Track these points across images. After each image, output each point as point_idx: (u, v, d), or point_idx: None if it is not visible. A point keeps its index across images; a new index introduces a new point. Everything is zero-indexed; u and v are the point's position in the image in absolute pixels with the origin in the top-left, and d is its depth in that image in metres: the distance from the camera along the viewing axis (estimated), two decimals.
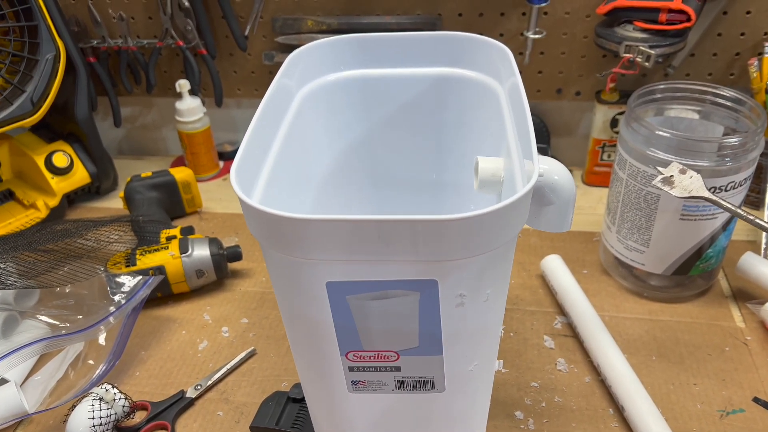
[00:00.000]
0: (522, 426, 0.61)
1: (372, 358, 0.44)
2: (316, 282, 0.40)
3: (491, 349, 0.46)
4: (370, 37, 0.59)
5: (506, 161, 0.48)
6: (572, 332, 0.70)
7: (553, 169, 0.44)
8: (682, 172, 0.57)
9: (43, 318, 0.70)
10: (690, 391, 0.63)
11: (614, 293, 0.75)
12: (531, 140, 0.42)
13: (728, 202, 0.55)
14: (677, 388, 0.64)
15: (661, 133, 0.64)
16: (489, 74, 0.57)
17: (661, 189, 0.56)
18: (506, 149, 0.49)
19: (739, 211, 0.55)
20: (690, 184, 0.56)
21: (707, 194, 0.55)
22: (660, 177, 0.57)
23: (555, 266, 0.75)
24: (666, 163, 0.63)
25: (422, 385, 0.45)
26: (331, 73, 0.60)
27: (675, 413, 0.61)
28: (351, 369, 0.45)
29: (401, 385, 0.45)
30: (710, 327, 0.70)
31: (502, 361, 0.66)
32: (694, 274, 0.71)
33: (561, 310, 0.73)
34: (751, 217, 0.55)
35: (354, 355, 0.44)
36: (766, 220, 0.80)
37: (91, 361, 0.68)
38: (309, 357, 0.46)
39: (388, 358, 0.44)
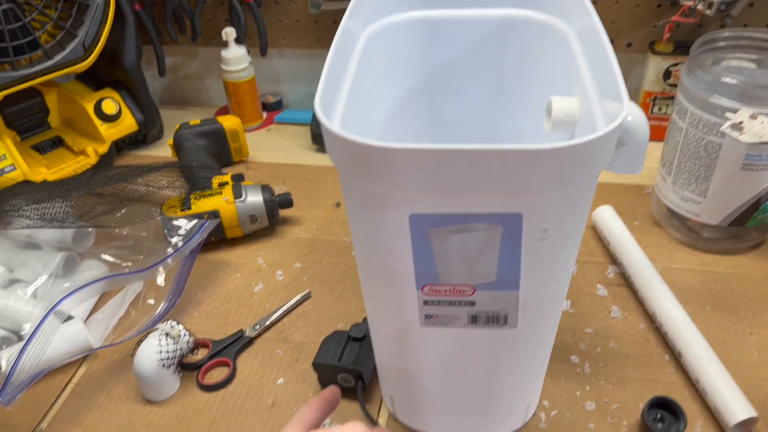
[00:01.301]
0: (578, 369, 0.62)
1: (448, 292, 0.44)
2: (399, 214, 0.40)
3: (564, 287, 0.47)
4: None
5: (581, 101, 0.48)
6: (625, 282, 0.70)
7: (627, 109, 0.43)
8: (753, 117, 0.56)
9: (105, 256, 0.71)
10: (746, 340, 0.63)
11: (666, 245, 0.75)
12: (617, 78, 0.41)
13: None
14: (733, 337, 0.64)
15: (727, 79, 0.63)
16: (557, 15, 0.56)
17: (729, 134, 0.55)
18: (580, 90, 0.48)
19: None
20: (761, 129, 0.55)
21: None
22: (728, 123, 0.56)
23: (607, 216, 0.75)
24: (729, 110, 0.62)
25: (495, 320, 0.46)
26: (394, 13, 0.59)
27: (731, 361, 0.61)
28: (425, 303, 0.45)
29: (474, 320, 0.46)
30: (765, 279, 0.70)
31: (570, 301, 0.67)
32: (751, 225, 0.71)
33: (613, 260, 0.73)
34: None
35: (430, 289, 0.45)
36: None
37: (151, 301, 0.70)
38: (383, 291, 0.47)
39: (463, 292, 0.44)
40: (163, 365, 0.60)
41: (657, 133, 0.92)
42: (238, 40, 0.98)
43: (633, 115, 0.44)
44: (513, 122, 0.63)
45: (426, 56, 0.62)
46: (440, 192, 0.38)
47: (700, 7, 0.75)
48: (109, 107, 0.93)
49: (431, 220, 0.40)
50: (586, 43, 0.50)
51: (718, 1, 0.74)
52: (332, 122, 0.44)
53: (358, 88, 0.53)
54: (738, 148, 0.65)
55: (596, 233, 0.77)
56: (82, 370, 0.65)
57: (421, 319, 0.47)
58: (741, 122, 0.56)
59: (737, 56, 0.71)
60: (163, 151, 1.00)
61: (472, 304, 0.45)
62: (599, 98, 0.45)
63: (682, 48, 0.86)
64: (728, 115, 0.57)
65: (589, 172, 0.38)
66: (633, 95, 0.95)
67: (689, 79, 0.67)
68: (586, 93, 0.47)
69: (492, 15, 0.59)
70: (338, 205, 0.85)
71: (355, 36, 0.56)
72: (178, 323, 0.62)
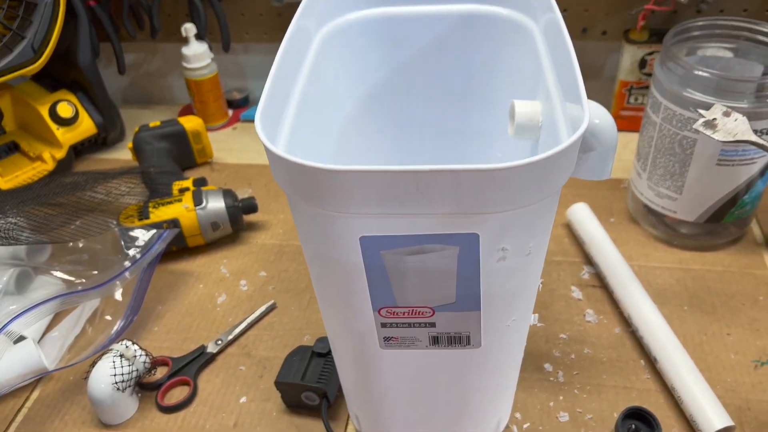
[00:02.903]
0: (551, 378, 0.59)
1: (406, 314, 0.42)
2: (348, 237, 0.37)
3: (529, 304, 0.44)
4: None
5: (545, 104, 0.45)
6: (601, 283, 0.68)
7: (594, 113, 0.41)
8: (726, 114, 0.53)
9: (58, 274, 0.68)
10: (723, 342, 0.61)
11: (643, 242, 0.73)
12: (578, 81, 0.38)
13: None
14: (710, 338, 0.62)
15: (699, 72, 0.61)
16: (521, 11, 0.53)
17: (702, 133, 0.53)
18: (544, 92, 0.45)
19: None
20: (735, 127, 0.53)
21: (754, 138, 0.52)
22: (701, 120, 0.54)
23: (582, 215, 0.73)
24: (703, 105, 0.60)
25: (457, 341, 0.44)
26: (351, 11, 0.56)
27: (708, 364, 0.59)
28: (383, 325, 0.43)
29: (435, 341, 0.44)
30: (743, 275, 0.68)
31: (537, 315, 0.64)
32: (728, 221, 0.69)
33: (588, 260, 0.71)
34: None
35: (387, 312, 0.42)
36: None
37: (108, 317, 0.67)
38: (339, 313, 0.44)
39: (422, 314, 0.42)
40: (118, 388, 0.57)
41: (634, 124, 0.89)
42: (199, 36, 0.94)
43: (600, 118, 0.41)
44: (478, 123, 0.60)
45: (386, 55, 0.59)
46: (390, 214, 0.36)
47: None
48: (64, 110, 0.89)
49: (383, 242, 0.38)
50: (551, 41, 0.47)
51: None
52: (278, 139, 0.42)
53: (314, 91, 0.50)
54: (712, 144, 0.62)
55: (571, 232, 0.75)
56: (35, 394, 0.62)
57: (380, 341, 0.44)
58: (714, 119, 0.54)
59: (713, 45, 0.69)
60: (124, 153, 0.96)
61: (433, 325, 0.43)
62: (562, 102, 0.42)
63: (657, 36, 0.83)
64: (701, 111, 0.54)
65: (548, 188, 0.35)
66: (609, 85, 0.93)
67: (662, 72, 0.65)
68: (550, 96, 0.44)
69: (453, 10, 0.56)
70: None
71: (309, 36, 0.53)
72: (133, 343, 0.59)
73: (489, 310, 0.41)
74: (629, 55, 0.84)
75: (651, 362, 0.60)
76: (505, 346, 0.45)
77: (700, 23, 0.67)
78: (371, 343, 0.44)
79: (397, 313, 0.42)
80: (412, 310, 0.42)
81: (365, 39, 0.57)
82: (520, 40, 0.53)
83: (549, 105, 0.44)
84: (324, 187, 0.35)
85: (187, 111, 1.04)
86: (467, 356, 0.45)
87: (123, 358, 0.58)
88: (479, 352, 0.44)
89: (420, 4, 0.56)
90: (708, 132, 0.54)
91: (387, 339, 0.44)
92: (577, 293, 0.67)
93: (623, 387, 0.58)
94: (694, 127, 0.54)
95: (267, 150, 0.35)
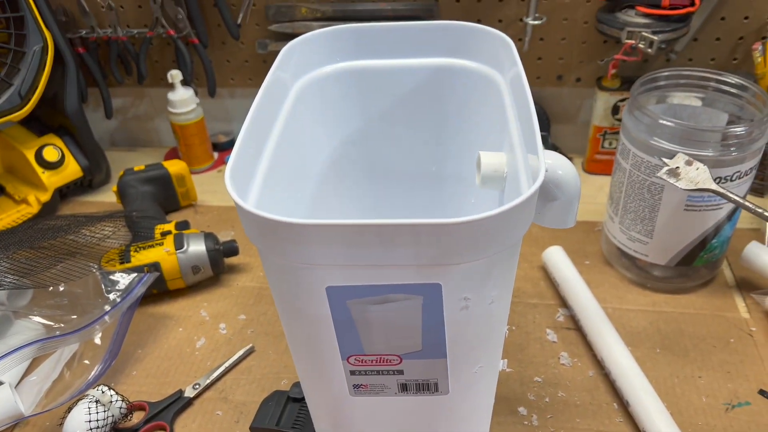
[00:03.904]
0: (525, 422, 0.60)
1: (374, 362, 0.43)
2: (315, 287, 0.39)
3: (496, 350, 0.45)
4: (366, 27, 0.57)
5: (509, 155, 0.47)
6: (575, 325, 0.69)
7: (557, 164, 0.42)
8: (689, 163, 0.55)
9: (37, 318, 0.68)
10: (695, 384, 0.62)
11: (617, 284, 0.74)
12: (535, 134, 0.40)
13: (735, 195, 0.54)
14: (682, 381, 0.63)
15: (664, 122, 0.63)
16: (490, 65, 0.55)
17: (666, 181, 0.55)
18: (509, 143, 0.47)
19: (747, 204, 0.54)
20: (696, 175, 0.55)
21: (714, 186, 0.54)
22: (665, 168, 0.56)
23: (557, 258, 0.74)
24: (669, 153, 0.62)
25: (426, 388, 0.44)
26: (327, 64, 0.58)
27: (680, 407, 0.60)
28: (352, 373, 0.44)
29: (404, 388, 0.44)
30: (714, 318, 0.69)
31: (506, 360, 0.65)
32: (698, 264, 0.70)
33: (563, 303, 0.72)
34: (760, 210, 0.54)
35: (355, 360, 0.43)
36: None
37: (86, 361, 0.67)
38: (309, 361, 0.45)
39: (390, 362, 0.43)
40: None
41: (609, 168, 0.91)
42: (185, 82, 0.96)
43: (562, 169, 0.43)
44: (452, 168, 0.62)
45: (362, 105, 0.61)
46: (354, 265, 0.37)
47: (641, 46, 0.75)
48: (50, 154, 0.90)
49: (349, 291, 0.39)
50: (515, 94, 0.49)
51: (658, 40, 0.74)
52: (251, 190, 0.43)
53: (290, 141, 0.52)
54: (679, 190, 0.64)
55: (546, 275, 0.76)
56: None
57: (350, 388, 0.45)
58: (677, 168, 0.56)
59: (683, 93, 0.71)
60: (109, 196, 0.97)
61: (401, 372, 0.43)
62: (524, 154, 0.44)
63: (629, 83, 0.86)
64: (665, 160, 0.56)
65: (508, 239, 0.37)
66: (583, 130, 0.95)
67: (630, 120, 0.67)
68: (513, 147, 0.46)
69: (426, 63, 0.58)
70: None
71: (285, 87, 0.55)
72: (109, 388, 0.60)
73: (455, 358, 0.42)
74: (602, 102, 0.87)
75: (624, 405, 0.60)
76: (474, 392, 0.46)
77: (666, 73, 0.69)
78: (341, 390, 0.45)
79: (365, 361, 0.43)
80: (380, 358, 0.43)
81: (341, 90, 0.59)
82: (488, 93, 0.55)
83: (513, 156, 0.46)
84: (289, 240, 0.36)
85: (173, 154, 1.06)
86: (436, 403, 0.45)
87: (98, 404, 0.58)
88: (448, 398, 0.45)
89: (393, 58, 0.58)
90: (671, 180, 0.56)
91: (356, 386, 0.45)
92: (552, 336, 0.68)
93: (596, 431, 0.59)
94: (658, 175, 0.56)
95: (236, 205, 0.37)
